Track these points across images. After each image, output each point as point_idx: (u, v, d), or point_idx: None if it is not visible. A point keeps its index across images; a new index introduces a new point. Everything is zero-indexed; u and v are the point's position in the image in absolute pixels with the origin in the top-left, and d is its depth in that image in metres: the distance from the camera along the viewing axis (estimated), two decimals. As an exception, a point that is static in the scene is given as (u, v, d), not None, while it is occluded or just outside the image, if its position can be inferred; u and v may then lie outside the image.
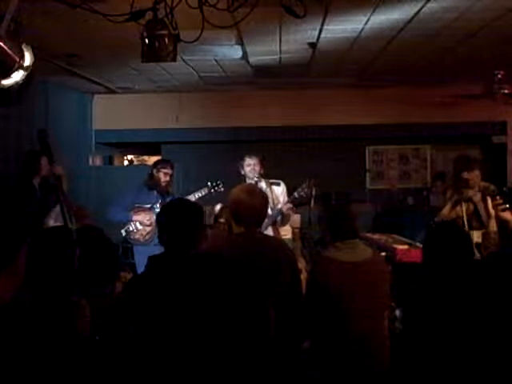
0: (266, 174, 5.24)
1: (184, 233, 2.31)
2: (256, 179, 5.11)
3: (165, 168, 5.51)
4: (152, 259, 2.32)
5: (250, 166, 5.13)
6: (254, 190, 3.07)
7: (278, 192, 5.17)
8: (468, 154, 5.95)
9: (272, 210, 4.71)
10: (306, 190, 5.04)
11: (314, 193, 6.04)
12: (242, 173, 5.19)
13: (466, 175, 5.11)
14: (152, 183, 5.51)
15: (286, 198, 5.15)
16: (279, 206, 5.00)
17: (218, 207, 5.28)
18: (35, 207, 5.01)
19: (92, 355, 2.46)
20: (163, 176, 5.49)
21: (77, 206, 5.14)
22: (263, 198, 3.00)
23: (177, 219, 2.33)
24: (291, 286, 2.85)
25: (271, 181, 5.23)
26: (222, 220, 3.97)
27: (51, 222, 4.90)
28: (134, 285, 2.38)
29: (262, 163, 5.20)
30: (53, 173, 5.04)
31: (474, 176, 5.09)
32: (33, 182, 5.39)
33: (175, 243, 2.30)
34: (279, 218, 5.00)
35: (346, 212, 3.34)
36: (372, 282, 3.07)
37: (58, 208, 5.03)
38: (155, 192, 5.55)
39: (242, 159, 5.20)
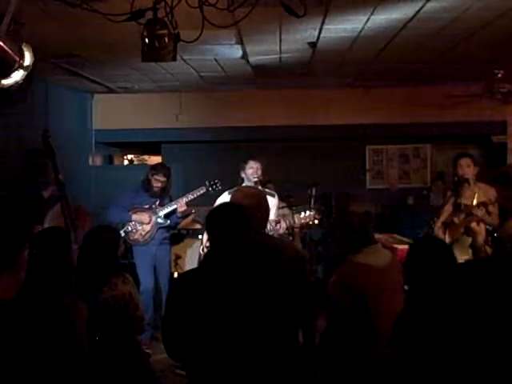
0: (264, 182, 5.21)
1: (230, 234, 2.43)
2: (254, 183, 5.06)
3: (157, 175, 5.53)
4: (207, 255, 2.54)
5: (253, 169, 5.07)
6: (253, 193, 3.06)
7: (270, 204, 5.07)
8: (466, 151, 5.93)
9: None
10: (307, 219, 4.94)
11: (313, 193, 6.03)
12: (242, 175, 5.13)
13: (455, 171, 5.12)
14: (145, 186, 5.57)
15: (275, 211, 5.04)
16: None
17: None
18: (37, 206, 5.02)
19: (89, 355, 2.47)
20: (155, 182, 5.52)
21: (77, 209, 5.14)
22: (261, 200, 2.98)
23: (223, 223, 2.46)
24: (299, 285, 2.84)
25: (267, 191, 5.16)
26: None
27: (49, 222, 4.90)
28: (191, 276, 2.50)
29: (264, 169, 5.17)
30: (58, 180, 5.05)
31: (465, 165, 5.08)
32: (36, 182, 5.40)
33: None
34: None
35: (366, 219, 3.38)
36: (395, 282, 3.09)
37: (56, 208, 5.03)
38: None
39: (246, 162, 5.16)
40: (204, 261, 2.51)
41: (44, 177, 5.21)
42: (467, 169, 5.08)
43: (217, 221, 2.50)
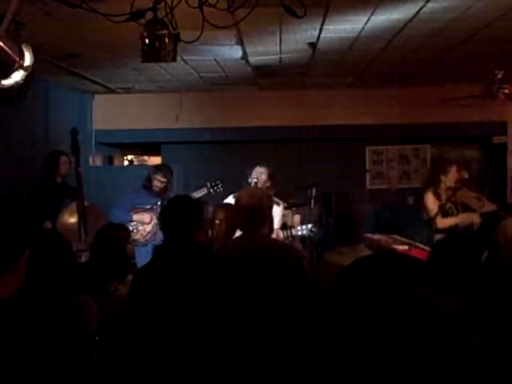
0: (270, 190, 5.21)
1: (180, 223, 2.63)
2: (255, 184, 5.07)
3: (158, 175, 5.57)
4: (156, 249, 2.68)
5: (256, 173, 5.12)
6: (256, 193, 3.06)
7: (275, 213, 5.10)
8: (445, 155, 6.02)
9: None
10: (304, 231, 4.95)
11: (313, 194, 6.03)
12: (249, 180, 5.16)
13: (443, 178, 5.21)
14: (148, 187, 5.59)
15: (279, 220, 5.07)
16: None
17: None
18: (55, 204, 5.14)
19: (98, 350, 2.47)
20: (157, 182, 5.56)
21: (90, 208, 5.21)
22: (265, 201, 2.99)
23: (174, 211, 2.68)
24: (297, 285, 2.85)
25: (274, 199, 5.15)
26: (217, 221, 3.96)
27: (68, 219, 4.97)
28: (141, 272, 2.66)
29: (271, 177, 5.17)
30: (77, 173, 5.18)
31: (452, 177, 5.18)
32: (56, 181, 5.54)
33: (173, 232, 2.64)
34: None
35: (351, 215, 3.34)
36: None
37: (73, 205, 5.12)
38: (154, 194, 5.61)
39: (254, 166, 5.20)
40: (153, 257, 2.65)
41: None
42: (452, 176, 5.18)
43: (168, 217, 2.71)
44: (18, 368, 1.22)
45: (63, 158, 5.61)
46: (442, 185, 5.23)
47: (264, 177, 5.11)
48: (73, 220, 4.97)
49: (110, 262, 3.23)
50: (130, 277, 3.25)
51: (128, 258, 3.45)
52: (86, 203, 5.12)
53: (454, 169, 5.21)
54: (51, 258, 2.69)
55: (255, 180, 5.08)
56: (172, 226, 2.65)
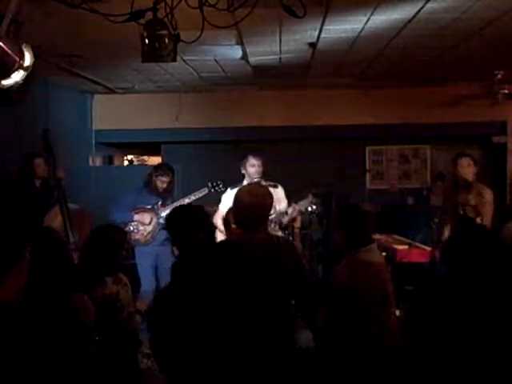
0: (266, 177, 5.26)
1: (198, 227, 2.74)
2: (257, 180, 5.09)
3: (162, 176, 5.55)
4: (176, 265, 2.75)
5: (254, 167, 5.12)
6: (257, 191, 3.04)
7: (280, 195, 5.13)
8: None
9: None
10: (307, 205, 5.00)
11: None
12: (243, 172, 5.18)
13: (454, 171, 5.18)
14: (150, 187, 5.56)
15: (286, 201, 5.16)
16: (283, 209, 5.03)
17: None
18: (37, 207, 5.04)
19: (97, 346, 2.48)
20: (160, 183, 5.54)
21: (76, 211, 5.16)
22: (265, 199, 2.98)
23: (189, 218, 2.79)
24: (296, 285, 2.86)
25: (270, 183, 5.19)
26: (233, 225, 3.94)
27: (53, 222, 4.92)
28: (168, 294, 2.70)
29: (265, 165, 5.20)
30: (54, 175, 5.08)
31: (466, 165, 5.13)
32: (34, 183, 5.43)
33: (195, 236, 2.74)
34: (285, 220, 5.04)
35: (367, 214, 3.37)
36: (388, 280, 3.13)
37: (55, 209, 5.06)
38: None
39: (246, 158, 5.19)
40: (174, 275, 2.61)
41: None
42: (467, 168, 5.11)
43: (175, 224, 2.83)
44: (23, 365, 1.24)
45: (37, 160, 5.40)
46: (456, 178, 5.18)
47: (260, 168, 5.12)
48: (57, 223, 4.90)
49: (96, 263, 3.20)
50: (109, 279, 3.23)
51: (118, 261, 3.40)
52: (71, 206, 5.04)
53: (461, 161, 5.17)
54: (46, 255, 2.68)
55: (256, 176, 5.09)
56: (193, 231, 2.72)
